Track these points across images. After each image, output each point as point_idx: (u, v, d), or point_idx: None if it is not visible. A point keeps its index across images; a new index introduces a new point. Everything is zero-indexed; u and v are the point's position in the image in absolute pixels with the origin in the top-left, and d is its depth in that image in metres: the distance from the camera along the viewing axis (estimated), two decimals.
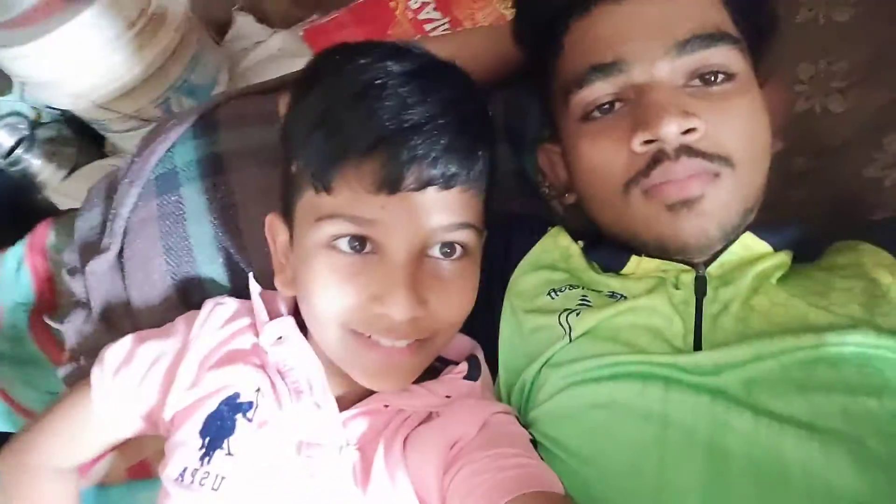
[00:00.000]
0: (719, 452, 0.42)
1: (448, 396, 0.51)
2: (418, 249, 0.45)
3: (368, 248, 0.46)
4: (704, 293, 0.51)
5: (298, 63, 0.58)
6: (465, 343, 0.58)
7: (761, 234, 0.53)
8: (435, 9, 1.14)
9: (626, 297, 0.53)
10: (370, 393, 0.51)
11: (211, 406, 0.50)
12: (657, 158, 0.49)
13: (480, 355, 0.56)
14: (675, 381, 0.46)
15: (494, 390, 0.56)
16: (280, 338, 0.53)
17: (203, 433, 0.49)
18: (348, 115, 0.43)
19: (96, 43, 0.96)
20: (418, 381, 0.52)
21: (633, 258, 0.54)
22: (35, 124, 1.25)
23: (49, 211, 1.18)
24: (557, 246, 0.60)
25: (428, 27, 1.14)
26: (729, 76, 0.50)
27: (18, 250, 0.89)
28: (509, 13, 0.84)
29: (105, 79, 1.01)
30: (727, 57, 0.50)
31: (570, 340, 0.52)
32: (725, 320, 0.49)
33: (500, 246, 0.61)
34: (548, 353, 0.52)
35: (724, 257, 0.52)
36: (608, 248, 0.57)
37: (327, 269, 0.46)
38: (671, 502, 0.42)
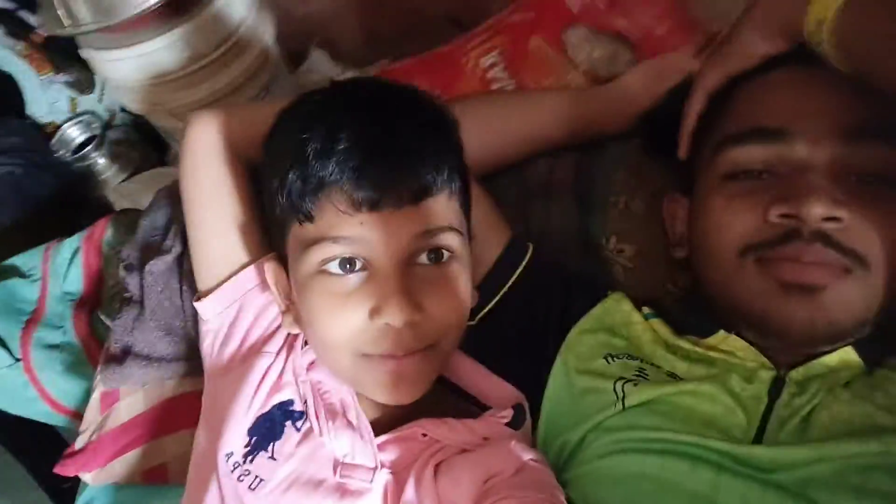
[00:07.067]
0: None
1: (486, 438, 0.51)
2: (404, 258, 0.47)
3: (358, 266, 0.47)
4: (778, 395, 0.49)
5: None
6: (510, 392, 0.57)
7: (862, 349, 0.50)
8: (504, 69, 1.18)
9: (685, 381, 0.52)
10: (406, 420, 0.51)
11: (264, 407, 0.51)
12: (790, 235, 0.48)
13: (526, 406, 0.56)
14: (728, 469, 0.45)
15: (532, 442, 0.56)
16: (313, 362, 0.55)
17: (251, 432, 0.50)
18: (313, 150, 0.46)
19: (184, 57, 1.01)
20: (459, 417, 0.52)
21: (722, 332, 0.52)
22: (107, 126, 1.30)
23: (103, 207, 1.21)
24: (620, 310, 0.59)
25: (494, 86, 1.17)
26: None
27: (75, 242, 0.91)
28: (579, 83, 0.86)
29: (183, 91, 1.06)
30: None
31: (623, 408, 0.51)
32: (792, 423, 0.47)
33: (559, 301, 0.61)
34: (598, 417, 0.51)
35: (813, 367, 0.50)
36: (698, 312, 0.56)
37: (323, 293, 0.48)
38: None
